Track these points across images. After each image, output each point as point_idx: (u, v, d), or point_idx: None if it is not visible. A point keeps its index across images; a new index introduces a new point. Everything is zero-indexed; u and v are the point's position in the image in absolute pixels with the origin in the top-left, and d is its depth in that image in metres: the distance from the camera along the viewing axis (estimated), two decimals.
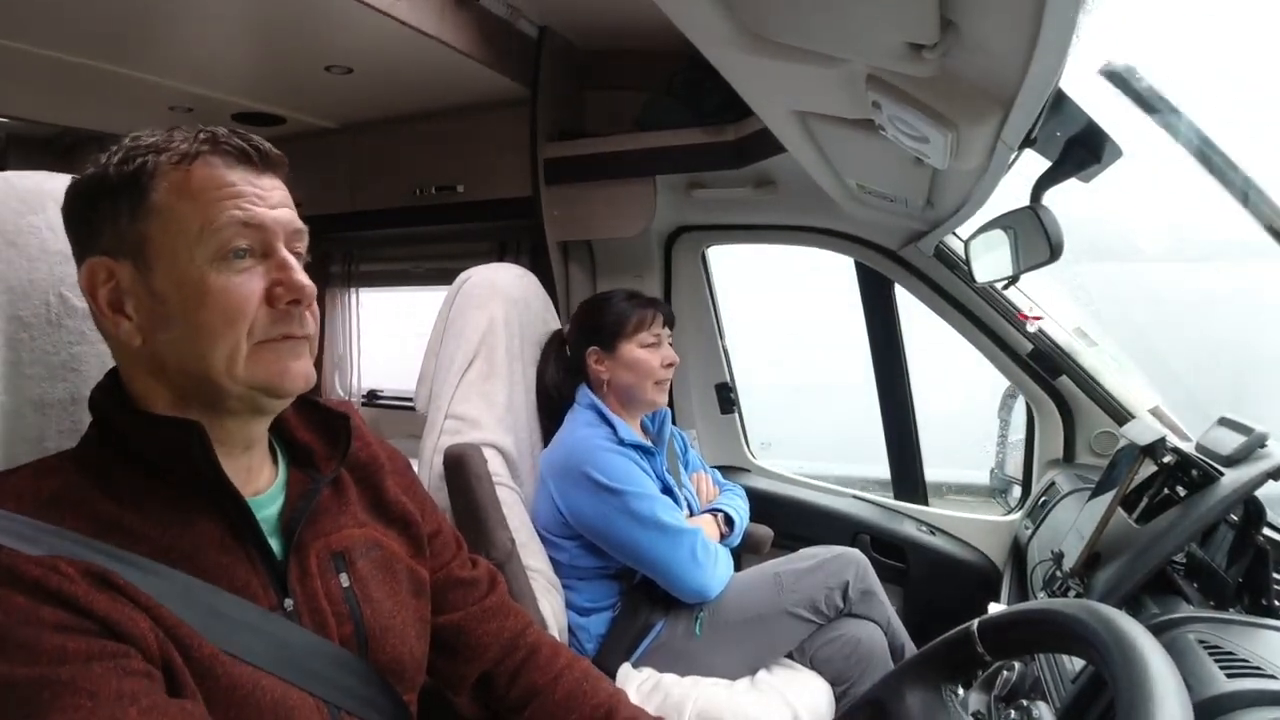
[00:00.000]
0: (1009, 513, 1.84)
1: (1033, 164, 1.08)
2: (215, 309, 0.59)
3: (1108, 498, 1.06)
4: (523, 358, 1.49)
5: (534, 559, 1.33)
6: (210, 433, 0.61)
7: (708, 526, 1.45)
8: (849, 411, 2.34)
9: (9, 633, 0.48)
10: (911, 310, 1.85)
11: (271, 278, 0.62)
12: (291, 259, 0.63)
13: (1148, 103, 1.01)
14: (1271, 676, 0.63)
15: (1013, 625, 0.62)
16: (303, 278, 0.62)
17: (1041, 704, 0.70)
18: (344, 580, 0.68)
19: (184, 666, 0.54)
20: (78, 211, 0.62)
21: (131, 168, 0.59)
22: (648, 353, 1.46)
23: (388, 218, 2.36)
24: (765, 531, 1.69)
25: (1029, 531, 1.51)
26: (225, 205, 0.60)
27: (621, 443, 1.39)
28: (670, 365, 1.48)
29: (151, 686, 0.51)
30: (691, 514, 1.50)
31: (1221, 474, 0.92)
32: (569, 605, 1.40)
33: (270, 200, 0.62)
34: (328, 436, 0.74)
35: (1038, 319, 1.64)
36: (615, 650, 1.36)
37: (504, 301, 1.44)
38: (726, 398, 2.14)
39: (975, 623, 0.64)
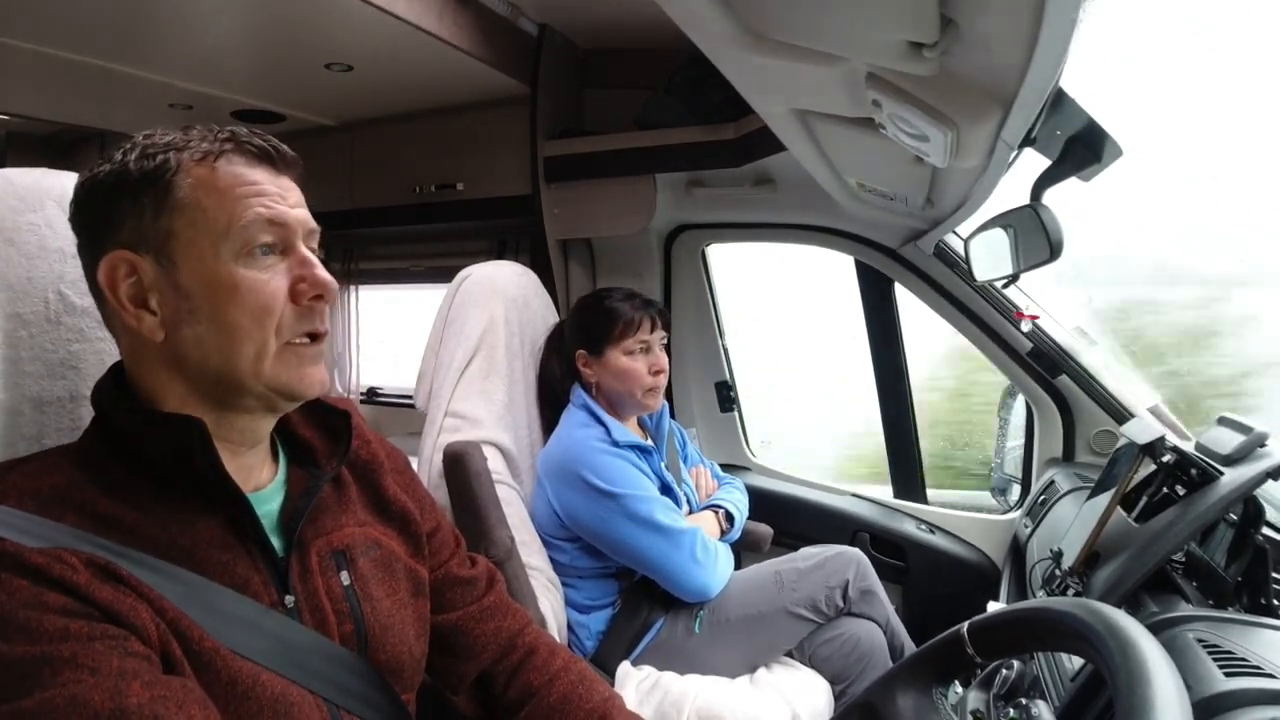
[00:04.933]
0: (1008, 511, 1.84)
1: (1033, 163, 1.08)
2: (244, 306, 0.60)
3: (1107, 496, 1.06)
4: (522, 356, 1.49)
5: (534, 557, 1.33)
6: (217, 429, 0.62)
7: (707, 523, 1.45)
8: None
9: (11, 615, 0.49)
10: None
11: (294, 274, 0.63)
12: (312, 255, 0.65)
13: None
14: (1270, 675, 0.63)
15: (1003, 626, 0.62)
16: (325, 273, 0.64)
17: (1040, 702, 0.70)
18: (345, 578, 0.68)
19: (184, 658, 0.55)
20: (93, 206, 0.61)
21: (154, 164, 0.60)
22: (632, 360, 1.42)
23: (387, 215, 2.36)
24: (765, 530, 1.69)
25: (1028, 530, 1.51)
26: (250, 202, 0.61)
27: (615, 444, 1.38)
28: (659, 372, 1.44)
29: (151, 668, 0.52)
30: (691, 510, 1.50)
31: (1221, 473, 0.92)
32: (569, 603, 1.40)
33: (290, 200, 0.64)
34: (329, 434, 0.74)
35: (1034, 317, 1.64)
36: (615, 648, 1.36)
37: (504, 299, 1.44)
38: (726, 396, 2.14)
39: (965, 625, 0.64)
